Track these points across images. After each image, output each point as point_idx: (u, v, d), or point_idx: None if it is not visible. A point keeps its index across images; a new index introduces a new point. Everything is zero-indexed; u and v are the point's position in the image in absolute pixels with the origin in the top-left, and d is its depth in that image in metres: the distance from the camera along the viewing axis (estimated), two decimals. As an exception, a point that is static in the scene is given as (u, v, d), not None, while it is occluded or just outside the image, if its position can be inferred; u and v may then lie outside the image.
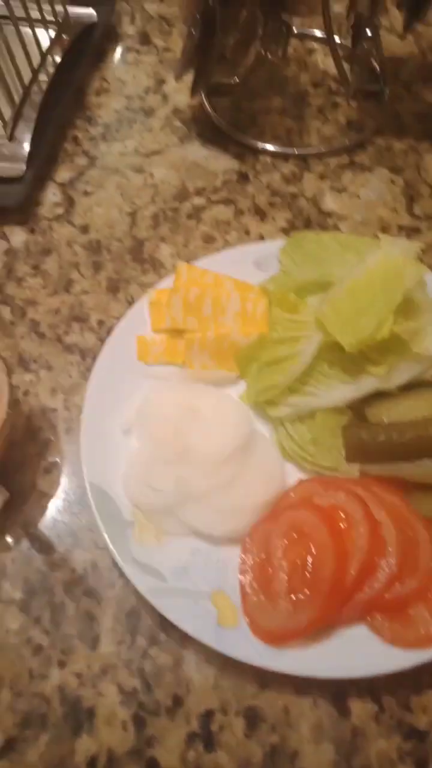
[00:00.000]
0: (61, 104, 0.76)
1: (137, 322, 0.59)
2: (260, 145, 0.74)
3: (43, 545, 0.52)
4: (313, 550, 0.46)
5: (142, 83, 0.82)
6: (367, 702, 0.47)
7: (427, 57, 0.83)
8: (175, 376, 0.57)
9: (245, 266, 0.62)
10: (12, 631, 0.49)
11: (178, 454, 0.51)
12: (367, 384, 0.53)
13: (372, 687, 0.47)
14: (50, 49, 0.76)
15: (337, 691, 0.47)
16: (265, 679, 0.47)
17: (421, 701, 0.47)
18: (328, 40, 0.73)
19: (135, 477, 0.51)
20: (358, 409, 0.54)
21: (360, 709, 0.46)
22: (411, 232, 0.68)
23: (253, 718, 0.46)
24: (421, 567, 0.46)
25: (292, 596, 0.45)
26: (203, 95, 0.77)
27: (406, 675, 0.45)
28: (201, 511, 0.50)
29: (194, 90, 0.74)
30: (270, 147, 0.74)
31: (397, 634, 0.45)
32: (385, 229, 0.68)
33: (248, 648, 0.45)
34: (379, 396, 0.54)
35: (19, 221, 0.70)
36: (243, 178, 0.73)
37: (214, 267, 0.62)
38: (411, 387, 0.54)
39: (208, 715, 0.46)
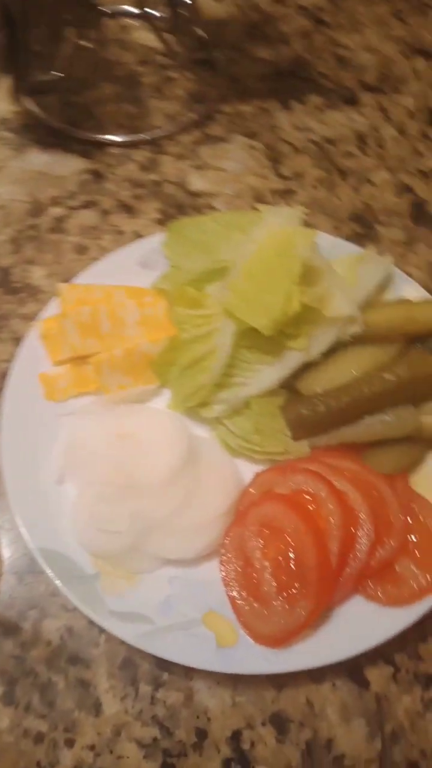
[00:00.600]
0: None
1: (32, 360, 0.56)
2: (105, 137, 0.72)
3: (8, 628, 0.49)
4: (290, 542, 0.47)
5: None
6: (381, 667, 0.49)
7: (249, 15, 0.85)
8: (93, 407, 0.55)
9: (131, 270, 0.61)
10: (4, 729, 0.46)
11: (122, 489, 0.50)
12: (291, 360, 0.55)
13: (382, 651, 0.49)
14: None
15: (352, 668, 0.49)
16: (280, 680, 0.48)
17: (429, 648, 0.50)
18: (143, 14, 0.72)
19: (85, 526, 0.49)
20: (289, 386, 0.56)
21: (377, 676, 0.49)
22: (285, 194, 0.70)
23: (280, 723, 0.47)
24: (395, 524, 0.49)
25: (284, 594, 0.46)
26: (26, 98, 0.73)
27: (409, 628, 0.48)
28: (165, 538, 0.49)
29: (16, 94, 0.70)
30: (116, 137, 0.73)
31: (391, 595, 0.47)
32: (259, 198, 0.69)
33: (255, 659, 0.45)
34: (306, 368, 0.56)
35: None
36: (97, 176, 0.70)
37: (98, 279, 0.60)
38: (333, 350, 0.56)
39: (235, 736, 0.47)
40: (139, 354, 0.56)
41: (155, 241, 0.62)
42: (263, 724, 0.47)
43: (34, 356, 0.56)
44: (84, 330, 0.55)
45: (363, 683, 0.48)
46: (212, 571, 0.49)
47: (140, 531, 0.48)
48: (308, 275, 0.55)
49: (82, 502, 0.50)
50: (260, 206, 0.59)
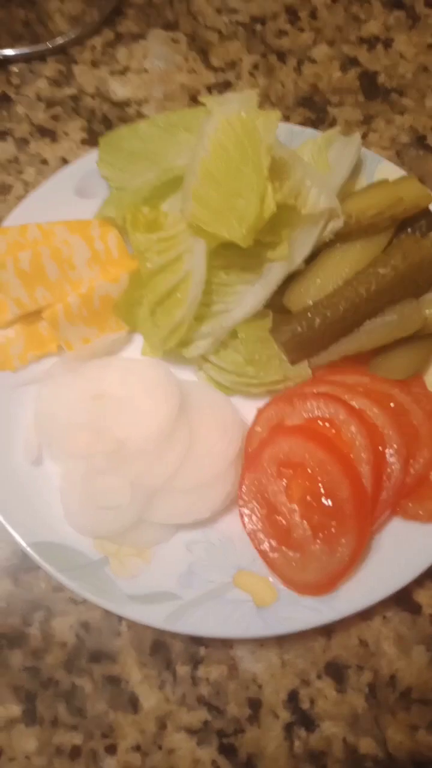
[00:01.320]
0: None
1: (-24, 326, 0.45)
2: (3, 53, 0.57)
3: (12, 638, 0.40)
4: (317, 477, 0.39)
5: None
6: (429, 588, 0.42)
7: None
8: (57, 369, 0.44)
9: (67, 200, 0.48)
10: (32, 752, 0.38)
11: (112, 457, 0.40)
12: (274, 273, 0.44)
13: (428, 570, 0.42)
14: None
15: (400, 595, 0.41)
16: (327, 626, 0.40)
17: None
18: None
19: (79, 507, 0.39)
20: (275, 304, 0.46)
21: (428, 597, 0.42)
22: (222, 87, 0.57)
23: (336, 672, 0.40)
24: (422, 433, 0.41)
25: (320, 535, 0.38)
26: None
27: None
28: (174, 502, 0.40)
29: None
30: (15, 51, 0.58)
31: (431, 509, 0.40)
32: (194, 97, 0.56)
33: (303, 613, 0.38)
34: (289, 280, 0.46)
35: None
36: (3, 99, 0.56)
37: (31, 218, 0.47)
38: (316, 255, 0.46)
39: (292, 697, 0.40)
40: (99, 298, 0.45)
41: (88, 162, 0.49)
42: (319, 677, 0.40)
43: (-28, 322, 0.44)
44: (27, 280, 0.43)
45: (414, 608, 0.42)
46: (233, 526, 0.40)
47: (142, 500, 0.39)
48: (276, 168, 0.44)
49: (70, 481, 0.40)
50: (204, 98, 0.47)
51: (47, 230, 0.46)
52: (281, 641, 0.40)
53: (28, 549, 0.38)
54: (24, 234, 0.45)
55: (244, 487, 0.40)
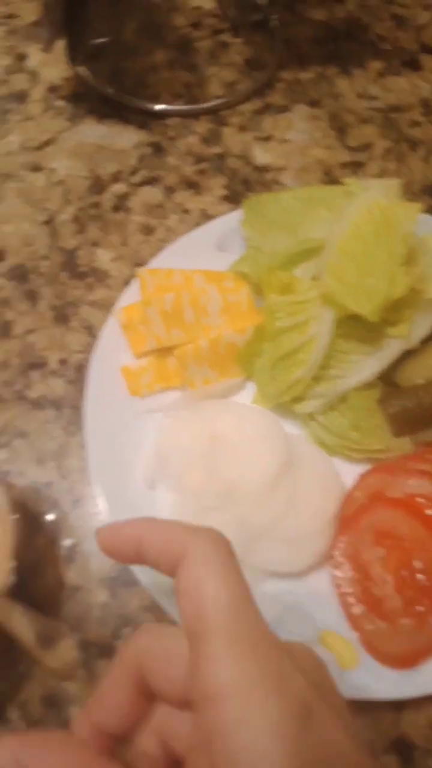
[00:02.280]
0: None
1: (112, 352, 0.45)
2: (162, 107, 0.59)
3: (102, 648, 0.40)
4: (415, 553, 0.37)
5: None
6: None
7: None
8: (180, 404, 0.44)
9: (207, 252, 0.49)
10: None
11: (221, 495, 0.40)
12: (392, 349, 0.44)
13: None
14: None
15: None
16: (400, 702, 0.39)
17: None
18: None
19: (186, 537, 0.39)
20: (385, 377, 0.45)
21: None
22: (354, 167, 0.58)
23: (404, 749, 0.38)
24: None
25: (411, 610, 0.37)
26: (80, 64, 0.60)
27: None
28: (271, 549, 0.39)
29: (73, 58, 0.56)
30: (174, 107, 0.59)
31: None
32: (328, 171, 0.57)
33: (381, 682, 0.36)
34: (402, 357, 0.45)
35: None
36: (157, 149, 0.58)
37: (172, 263, 0.48)
38: (430, 337, 0.46)
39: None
40: (225, 345, 0.45)
41: (231, 221, 0.50)
42: (385, 751, 0.38)
43: (113, 348, 0.45)
44: (168, 319, 0.44)
45: None
46: (322, 585, 0.39)
47: (245, 541, 0.38)
48: (408, 254, 0.44)
49: (181, 512, 0.40)
50: (348, 180, 0.47)
51: (188, 276, 0.47)
52: (351, 707, 0.39)
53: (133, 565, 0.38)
54: (169, 277, 0.46)
55: (338, 548, 0.39)
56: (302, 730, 0.20)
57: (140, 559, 0.25)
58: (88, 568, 0.41)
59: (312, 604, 0.39)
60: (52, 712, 0.38)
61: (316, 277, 0.44)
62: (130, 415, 0.43)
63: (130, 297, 0.47)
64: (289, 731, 0.19)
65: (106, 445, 0.42)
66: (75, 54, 0.56)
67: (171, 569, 0.23)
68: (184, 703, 0.23)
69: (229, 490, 0.39)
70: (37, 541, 0.42)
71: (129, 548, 0.24)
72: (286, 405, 0.44)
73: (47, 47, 0.55)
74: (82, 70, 0.59)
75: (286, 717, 0.20)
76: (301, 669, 0.21)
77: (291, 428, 0.45)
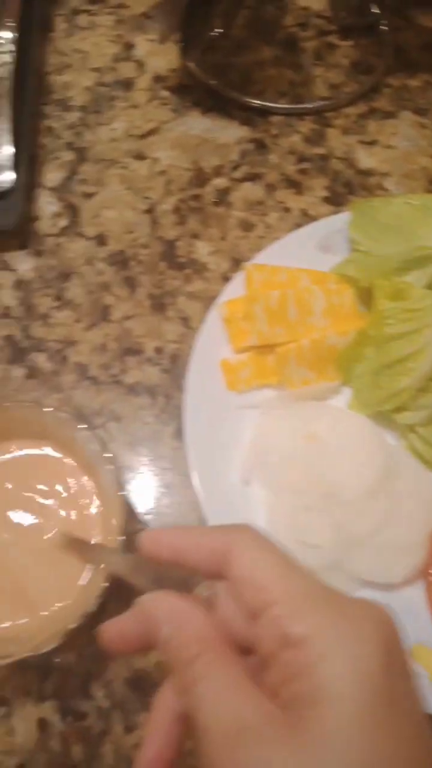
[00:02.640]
0: (24, 89, 0.57)
1: (212, 346, 0.45)
2: (268, 104, 0.59)
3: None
4: None
5: (107, 51, 0.63)
6: None
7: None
8: (276, 401, 0.44)
9: (310, 252, 0.48)
10: (188, 748, 0.37)
11: (321, 497, 0.39)
12: None
13: None
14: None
15: None
16: None
17: None
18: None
19: (283, 536, 0.39)
20: None
21: None
22: (460, 178, 0.57)
23: None
24: None
25: None
26: (190, 57, 0.60)
27: None
28: (367, 558, 0.38)
29: (186, 51, 0.57)
30: (279, 105, 0.59)
31: None
32: (433, 180, 0.56)
33: None
34: None
35: (19, 245, 0.52)
36: (260, 146, 0.57)
37: (276, 259, 0.48)
38: None
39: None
40: (326, 347, 0.44)
41: (333, 222, 0.49)
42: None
43: (213, 341, 0.45)
44: (272, 316, 0.44)
45: None
46: (416, 599, 0.38)
47: (344, 547, 0.38)
48: None
49: (277, 510, 0.39)
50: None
51: (294, 275, 0.46)
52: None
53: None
54: (275, 274, 0.46)
55: (435, 563, 0.39)
56: (385, 672, 0.20)
57: (178, 564, 0.25)
58: (176, 557, 0.42)
59: (405, 616, 0.37)
60: (136, 695, 0.38)
61: (429, 286, 0.44)
62: (226, 409, 0.43)
63: (231, 291, 0.47)
64: (374, 669, 0.20)
65: (204, 436, 0.42)
66: (188, 47, 0.57)
67: (214, 570, 0.24)
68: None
69: (329, 493, 0.39)
70: (129, 526, 0.42)
71: (168, 554, 0.25)
72: (385, 413, 0.44)
73: (163, 39, 0.55)
74: (191, 63, 0.59)
75: (369, 656, 0.20)
76: (377, 619, 0.22)
77: (387, 437, 0.44)
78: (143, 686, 0.38)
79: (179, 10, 0.52)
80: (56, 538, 0.34)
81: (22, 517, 0.37)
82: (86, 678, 0.38)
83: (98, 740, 0.37)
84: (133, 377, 0.47)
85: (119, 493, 0.35)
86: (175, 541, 0.25)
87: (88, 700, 0.38)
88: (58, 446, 0.39)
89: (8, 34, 0.56)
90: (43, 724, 0.37)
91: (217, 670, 0.21)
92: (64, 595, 0.36)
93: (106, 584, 0.33)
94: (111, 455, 0.36)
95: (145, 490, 0.44)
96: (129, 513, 0.42)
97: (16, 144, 0.52)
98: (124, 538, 0.34)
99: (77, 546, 0.32)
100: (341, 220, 0.49)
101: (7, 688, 0.38)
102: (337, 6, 0.62)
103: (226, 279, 0.50)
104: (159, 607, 0.23)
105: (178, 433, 0.45)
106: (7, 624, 0.34)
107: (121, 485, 0.35)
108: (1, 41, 0.55)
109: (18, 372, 0.47)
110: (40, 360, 0.48)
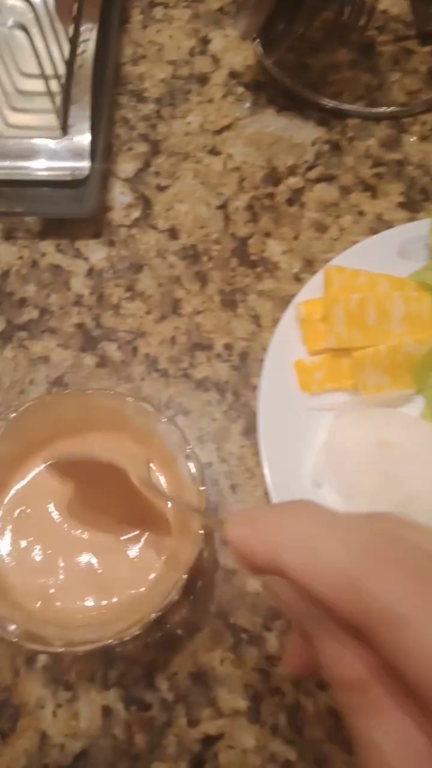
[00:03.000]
0: (102, 79, 0.57)
1: (287, 346, 0.45)
2: (345, 106, 0.59)
3: (252, 636, 0.40)
4: None
5: (183, 44, 0.63)
6: None
7: None
8: (349, 405, 0.44)
9: (388, 258, 0.48)
10: (250, 749, 0.37)
11: (398, 506, 0.39)
12: None
13: None
14: (81, 8, 0.56)
15: None
16: None
17: None
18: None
19: (356, 542, 0.39)
20: None
21: None
22: None
23: None
24: None
25: None
26: (268, 54, 0.60)
27: None
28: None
29: (267, 48, 0.57)
30: (356, 108, 0.59)
31: None
32: None
33: None
34: None
35: (93, 234, 0.52)
36: (335, 147, 0.57)
37: (354, 263, 0.48)
38: None
39: None
40: (403, 354, 0.44)
41: (412, 228, 0.49)
42: None
43: (288, 341, 0.45)
44: (351, 319, 0.44)
45: None
46: None
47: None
48: None
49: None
50: None
51: (373, 279, 0.46)
52: None
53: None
54: (356, 278, 0.46)
55: None
56: None
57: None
58: (241, 555, 0.42)
59: None
60: (199, 689, 0.38)
61: None
62: (299, 410, 0.43)
63: (307, 292, 0.47)
64: None
65: (276, 435, 0.42)
66: (270, 46, 0.57)
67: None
68: None
69: (405, 501, 0.39)
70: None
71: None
72: (458, 424, 0.43)
73: (245, 36, 0.55)
74: (269, 61, 0.59)
75: None
76: None
77: (457, 449, 0.44)
78: (207, 681, 0.38)
79: (265, 10, 0.52)
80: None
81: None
82: (150, 669, 0.38)
83: (161, 731, 0.37)
84: (202, 372, 0.47)
85: (201, 488, 0.35)
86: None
87: (152, 691, 0.38)
88: (137, 438, 0.39)
89: (90, 24, 0.56)
90: (106, 711, 0.37)
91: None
92: (137, 584, 0.36)
93: (185, 576, 0.33)
94: (191, 448, 0.36)
95: (211, 486, 0.44)
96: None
97: (93, 133, 0.52)
98: (203, 532, 0.34)
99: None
100: (420, 226, 0.49)
101: (72, 674, 0.38)
102: (419, 12, 0.62)
103: (297, 279, 0.50)
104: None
105: (246, 431, 0.45)
106: (91, 603, 0.35)
107: (202, 480, 0.35)
108: (84, 30, 0.56)
109: (89, 360, 0.47)
110: (111, 349, 0.48)
